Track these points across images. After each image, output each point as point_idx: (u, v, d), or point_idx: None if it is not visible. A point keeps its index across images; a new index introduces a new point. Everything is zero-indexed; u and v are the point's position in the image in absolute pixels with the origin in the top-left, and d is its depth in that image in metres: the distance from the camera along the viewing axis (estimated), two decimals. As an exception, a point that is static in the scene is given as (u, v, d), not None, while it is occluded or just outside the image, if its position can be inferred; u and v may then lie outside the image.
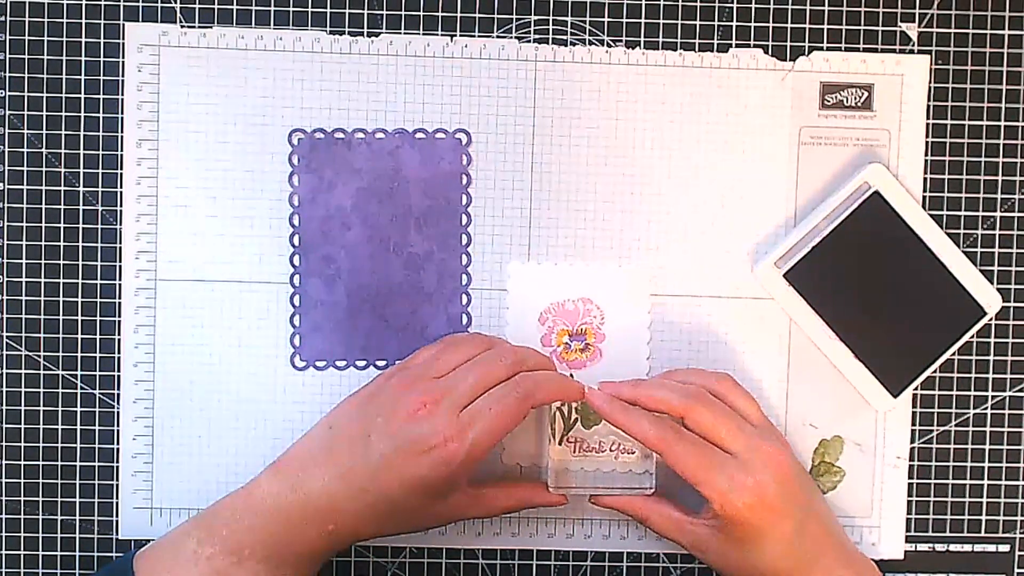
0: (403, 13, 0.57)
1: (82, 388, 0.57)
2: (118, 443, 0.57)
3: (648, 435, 0.52)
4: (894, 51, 0.58)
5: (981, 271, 0.58)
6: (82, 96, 0.57)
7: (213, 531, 0.50)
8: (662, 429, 0.52)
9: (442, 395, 0.50)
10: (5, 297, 0.57)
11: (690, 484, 0.52)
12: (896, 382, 0.58)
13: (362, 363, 0.58)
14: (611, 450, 0.56)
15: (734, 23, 0.58)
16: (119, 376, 0.57)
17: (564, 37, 0.58)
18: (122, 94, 0.57)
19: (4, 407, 0.57)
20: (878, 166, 0.57)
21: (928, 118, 0.58)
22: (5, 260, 0.57)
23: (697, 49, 0.58)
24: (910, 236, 0.57)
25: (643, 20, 0.58)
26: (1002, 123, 0.59)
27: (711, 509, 0.52)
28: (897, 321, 0.57)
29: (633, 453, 0.56)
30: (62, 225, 0.57)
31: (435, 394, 0.50)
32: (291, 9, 0.57)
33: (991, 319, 0.58)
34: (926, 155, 0.58)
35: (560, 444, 0.56)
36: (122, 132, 0.57)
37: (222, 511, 0.51)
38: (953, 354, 0.58)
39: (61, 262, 0.57)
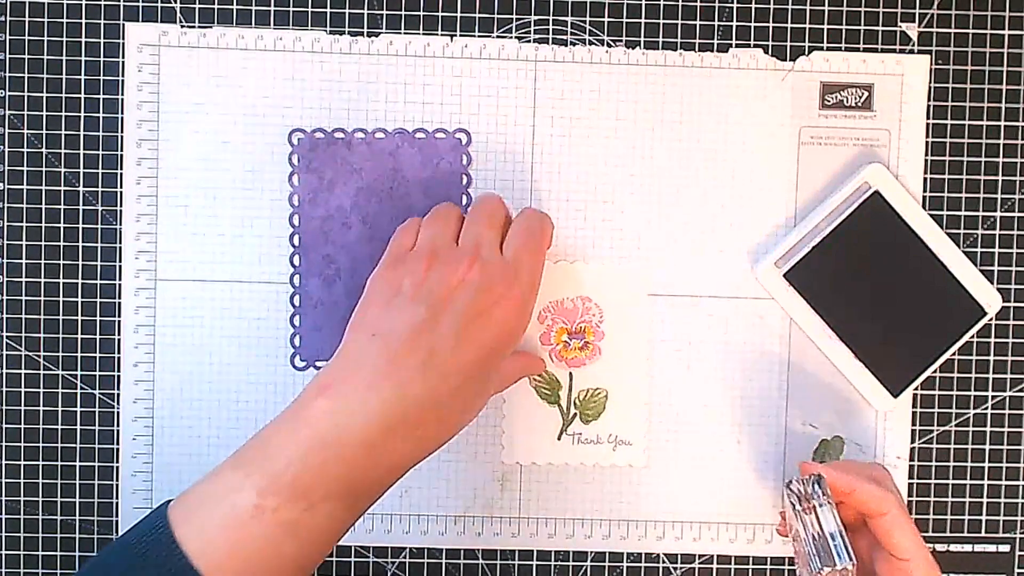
0: (403, 13, 0.57)
1: (82, 388, 0.57)
2: (118, 443, 0.57)
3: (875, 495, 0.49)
4: (894, 51, 0.58)
5: (981, 271, 0.58)
6: (82, 96, 0.57)
7: (275, 479, 0.44)
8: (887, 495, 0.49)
9: (474, 247, 0.49)
10: (5, 297, 0.57)
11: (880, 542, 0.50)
12: (896, 382, 0.58)
13: (362, 363, 0.58)
14: (609, 442, 0.56)
15: (734, 23, 0.58)
16: (119, 376, 0.57)
17: (564, 37, 0.58)
18: (122, 94, 0.57)
19: (4, 407, 0.57)
20: (878, 166, 0.57)
21: (928, 118, 0.58)
22: (5, 260, 0.57)
23: (697, 49, 0.58)
24: (910, 236, 0.57)
25: (643, 20, 0.58)
26: (1002, 123, 0.59)
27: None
28: (897, 321, 0.57)
29: (632, 446, 0.56)
30: (62, 225, 0.57)
31: (467, 251, 0.49)
32: (291, 9, 0.57)
33: (991, 319, 0.58)
34: (926, 155, 0.58)
35: (559, 440, 0.56)
36: (122, 132, 0.57)
37: (277, 455, 0.45)
38: (953, 354, 0.58)
39: (61, 262, 0.57)
